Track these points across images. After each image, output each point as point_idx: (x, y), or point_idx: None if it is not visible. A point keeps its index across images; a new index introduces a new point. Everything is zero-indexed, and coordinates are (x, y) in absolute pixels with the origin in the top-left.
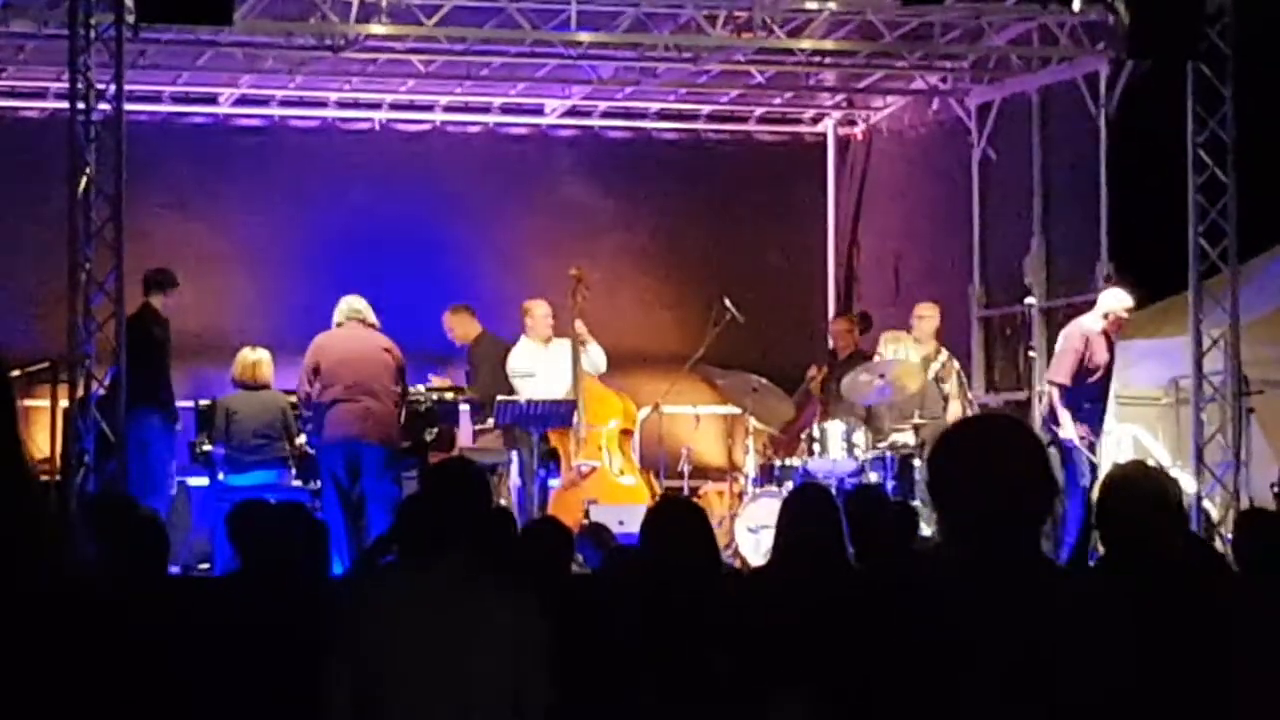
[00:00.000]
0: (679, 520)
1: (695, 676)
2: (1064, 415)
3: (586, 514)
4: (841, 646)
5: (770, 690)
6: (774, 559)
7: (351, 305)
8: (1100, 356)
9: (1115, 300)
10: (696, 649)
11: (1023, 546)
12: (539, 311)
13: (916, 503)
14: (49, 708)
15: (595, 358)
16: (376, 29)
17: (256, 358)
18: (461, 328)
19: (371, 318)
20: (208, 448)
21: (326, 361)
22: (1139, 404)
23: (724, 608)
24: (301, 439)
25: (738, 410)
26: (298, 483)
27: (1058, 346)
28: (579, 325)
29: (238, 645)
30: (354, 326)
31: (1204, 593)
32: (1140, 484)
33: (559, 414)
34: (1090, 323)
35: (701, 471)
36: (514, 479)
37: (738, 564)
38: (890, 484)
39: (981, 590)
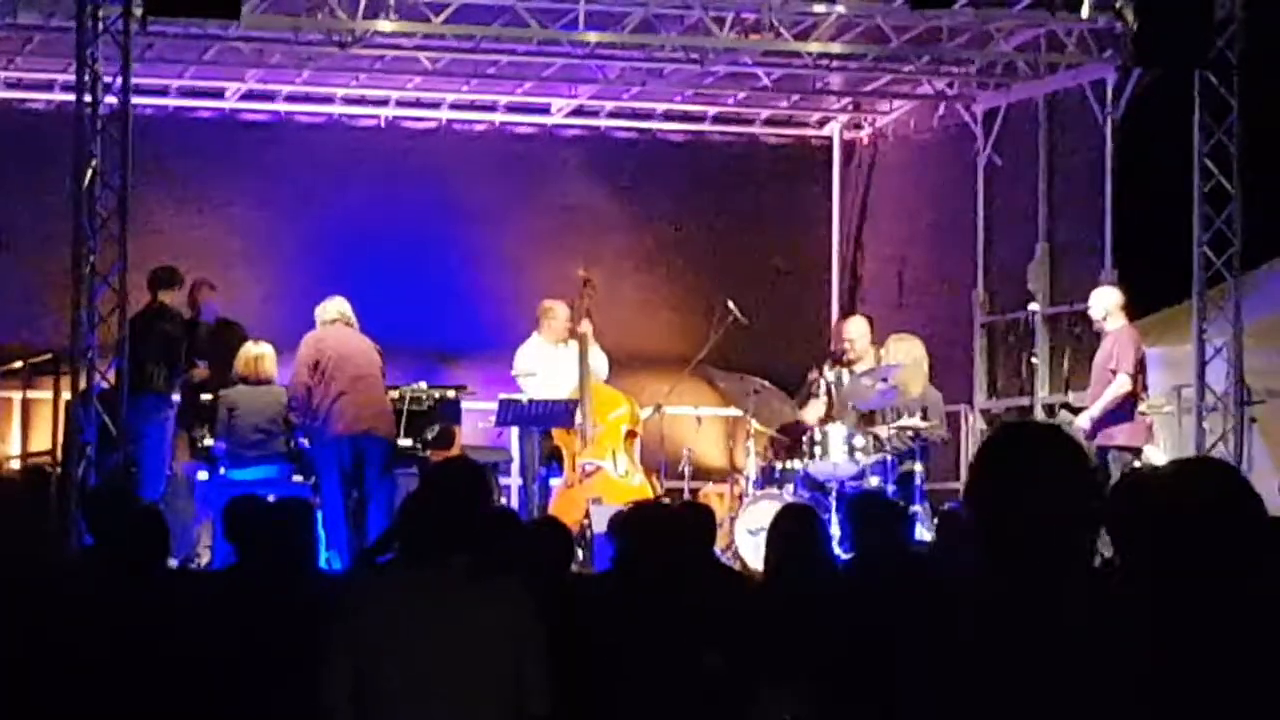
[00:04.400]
0: (651, 524)
1: (688, 676)
2: None
3: (587, 513)
4: (829, 650)
5: (757, 689)
6: (765, 575)
7: (339, 308)
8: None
9: None
10: (690, 649)
11: (1064, 555)
12: (560, 313)
13: (916, 507)
14: (29, 694)
15: (596, 364)
16: (384, 25)
17: (259, 352)
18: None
19: (354, 320)
20: (209, 442)
21: (327, 356)
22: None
23: (718, 608)
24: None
25: (739, 412)
26: (299, 478)
27: None
28: (586, 327)
29: (234, 638)
30: (340, 327)
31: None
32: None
33: (560, 413)
34: None
35: (702, 473)
36: (515, 478)
37: (737, 566)
38: (891, 488)
39: (1022, 601)
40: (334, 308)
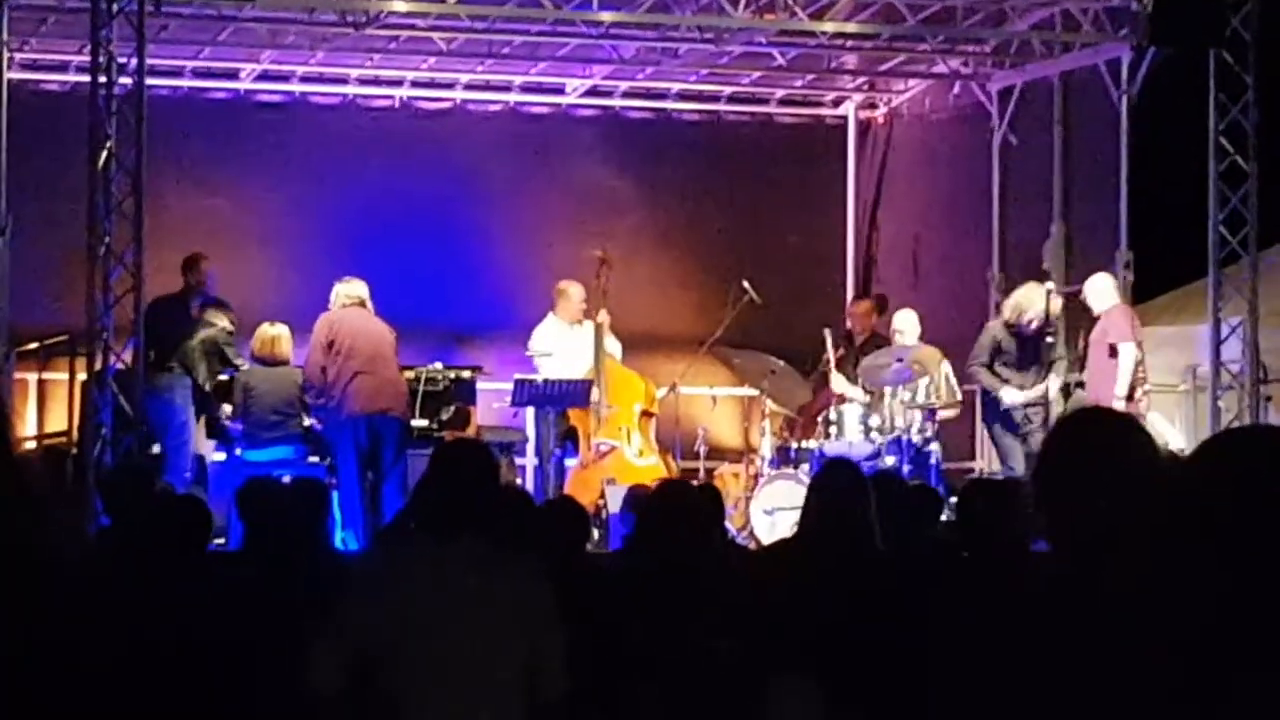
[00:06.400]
0: (676, 504)
1: (703, 661)
2: None
3: (602, 493)
4: (859, 635)
5: (772, 674)
6: (797, 536)
7: (354, 291)
8: None
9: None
10: (704, 634)
11: (1134, 556)
12: (575, 294)
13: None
14: (31, 674)
15: (611, 349)
16: (398, 6)
17: (275, 333)
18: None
19: (370, 303)
20: (226, 422)
21: (342, 337)
22: (1157, 391)
23: (732, 589)
24: (308, 421)
25: (754, 392)
26: (314, 458)
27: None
28: (604, 317)
29: (246, 619)
30: (355, 309)
31: None
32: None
33: (576, 393)
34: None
35: (718, 453)
36: (530, 458)
37: (753, 546)
38: (906, 468)
39: (1086, 604)
40: (349, 291)
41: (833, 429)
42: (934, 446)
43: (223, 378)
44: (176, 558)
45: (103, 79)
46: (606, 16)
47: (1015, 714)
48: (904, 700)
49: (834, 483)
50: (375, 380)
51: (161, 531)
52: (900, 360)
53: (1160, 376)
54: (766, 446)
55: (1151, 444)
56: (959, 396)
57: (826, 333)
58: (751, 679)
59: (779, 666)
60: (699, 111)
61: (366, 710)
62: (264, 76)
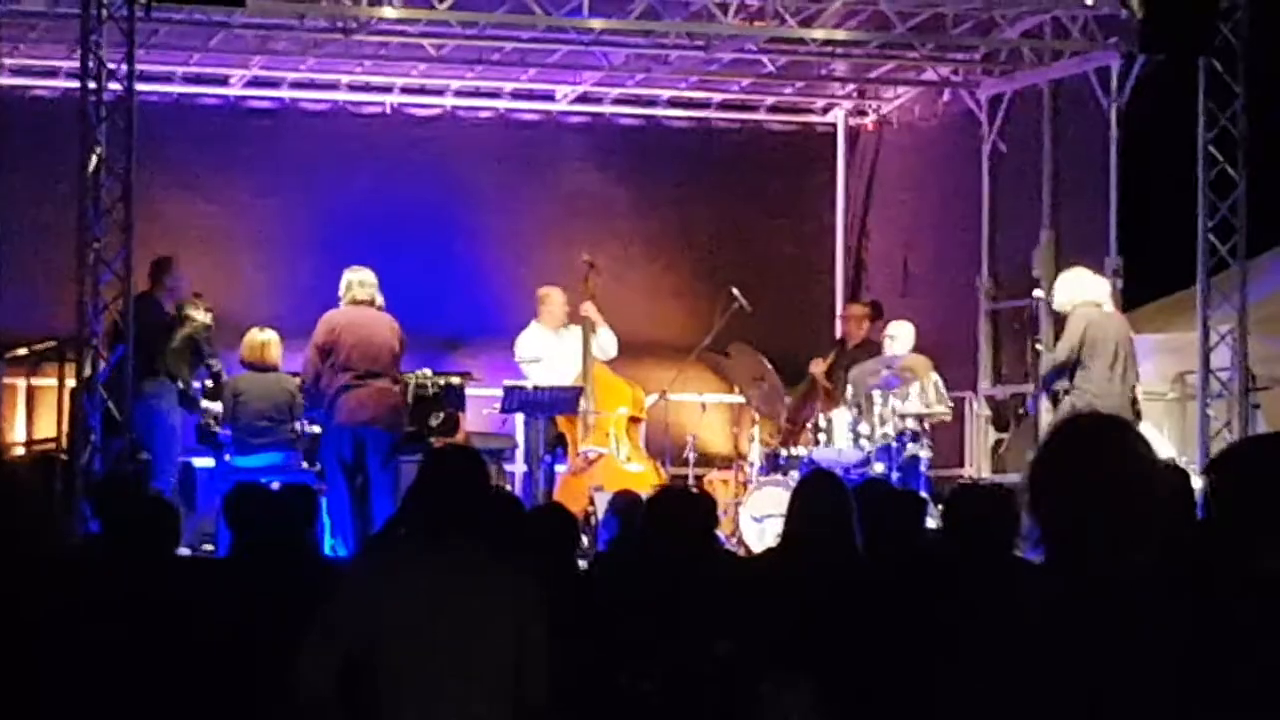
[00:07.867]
0: (676, 510)
1: (697, 661)
2: None
3: (591, 500)
4: (848, 637)
5: (767, 676)
6: (781, 545)
7: (365, 285)
8: None
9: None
10: (699, 634)
11: (1128, 564)
12: (556, 298)
13: (921, 494)
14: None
15: (605, 343)
16: (389, 12)
17: (265, 339)
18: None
19: (380, 299)
20: (215, 429)
21: (341, 343)
22: (1145, 399)
23: (726, 593)
24: (299, 424)
25: (743, 399)
26: (304, 465)
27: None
28: (590, 309)
29: (234, 625)
30: (362, 309)
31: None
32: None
33: (566, 400)
34: None
35: (707, 459)
36: (520, 464)
37: (741, 552)
38: (895, 475)
39: (1079, 612)
40: (359, 280)
41: (822, 436)
42: (923, 454)
43: (209, 383)
44: (153, 561)
45: (93, 85)
46: (597, 23)
47: (1008, 717)
48: (895, 704)
49: (815, 493)
50: (364, 391)
51: (139, 537)
52: (889, 368)
53: (1149, 384)
54: (755, 453)
55: (1147, 449)
56: (949, 404)
57: (787, 398)
58: (746, 682)
59: (773, 670)
60: (689, 118)
61: (357, 713)
62: (254, 83)
